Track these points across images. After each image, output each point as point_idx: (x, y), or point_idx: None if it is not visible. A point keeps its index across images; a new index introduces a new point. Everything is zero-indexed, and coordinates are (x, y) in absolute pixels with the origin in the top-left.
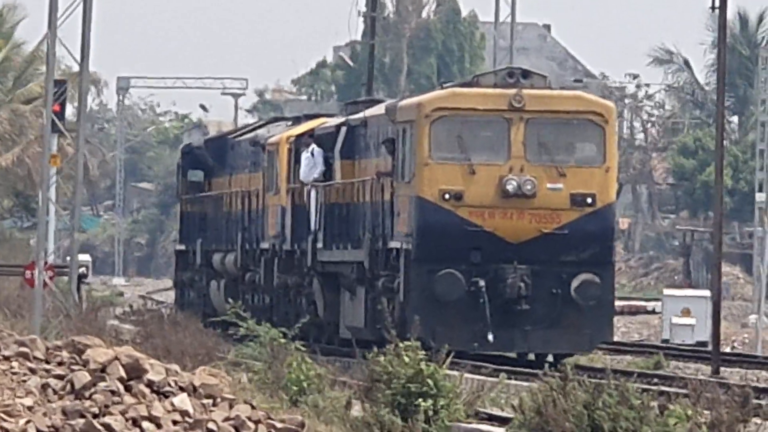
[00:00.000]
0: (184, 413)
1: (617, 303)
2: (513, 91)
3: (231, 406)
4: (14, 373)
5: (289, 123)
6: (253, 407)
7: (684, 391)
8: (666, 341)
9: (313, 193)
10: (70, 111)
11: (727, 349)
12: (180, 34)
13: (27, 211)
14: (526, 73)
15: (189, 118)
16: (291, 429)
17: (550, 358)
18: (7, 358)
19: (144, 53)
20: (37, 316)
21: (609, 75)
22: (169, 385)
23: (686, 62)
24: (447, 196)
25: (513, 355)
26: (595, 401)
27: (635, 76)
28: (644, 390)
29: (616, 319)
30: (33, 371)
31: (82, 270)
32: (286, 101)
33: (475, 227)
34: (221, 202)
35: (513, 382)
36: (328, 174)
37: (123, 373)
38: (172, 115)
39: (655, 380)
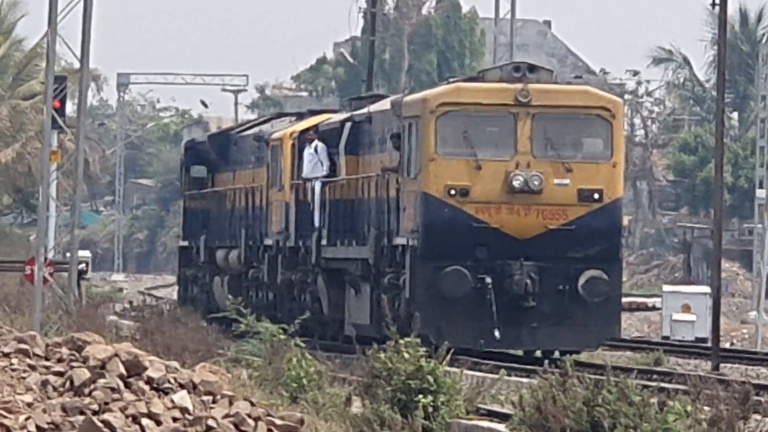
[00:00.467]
0: (183, 410)
1: None
2: (519, 85)
3: (231, 403)
4: (14, 370)
5: (293, 119)
6: (252, 404)
7: (684, 387)
8: (666, 337)
9: (317, 189)
10: (70, 107)
11: (727, 346)
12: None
13: (27, 207)
14: (532, 68)
15: (189, 114)
16: (290, 426)
17: (557, 355)
18: (6, 355)
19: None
20: (37, 313)
21: (609, 71)
22: (169, 382)
23: (686, 59)
24: (453, 191)
25: (520, 352)
26: (594, 398)
27: (635, 73)
28: (644, 386)
29: None
30: (33, 368)
31: (82, 266)
32: (286, 98)
33: (481, 223)
34: (225, 198)
35: (513, 378)
36: (332, 170)
37: (123, 370)
38: (172, 111)
39: (655, 377)
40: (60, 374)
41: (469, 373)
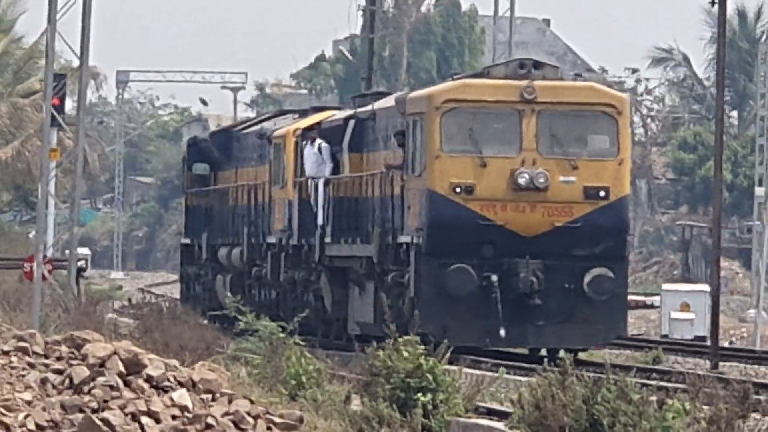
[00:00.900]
0: (183, 408)
1: None
2: (524, 82)
3: (230, 401)
4: (13, 368)
5: (296, 116)
6: (252, 402)
7: (683, 385)
8: (665, 336)
9: (320, 187)
10: (69, 105)
11: (726, 344)
12: (179, 28)
13: (26, 205)
14: (537, 64)
15: (188, 111)
16: (290, 423)
17: (562, 353)
18: (6, 353)
19: (143, 47)
20: (36, 310)
21: (608, 69)
22: (168, 380)
23: (685, 57)
24: (458, 189)
25: (525, 351)
26: (594, 396)
27: (635, 71)
28: (643, 385)
29: None
30: (32, 366)
31: (81, 263)
32: (286, 95)
33: (486, 221)
34: (227, 195)
35: (512, 376)
36: (335, 171)
37: (122, 368)
38: (171, 108)
39: (654, 375)
40: (59, 372)
41: (469, 371)
